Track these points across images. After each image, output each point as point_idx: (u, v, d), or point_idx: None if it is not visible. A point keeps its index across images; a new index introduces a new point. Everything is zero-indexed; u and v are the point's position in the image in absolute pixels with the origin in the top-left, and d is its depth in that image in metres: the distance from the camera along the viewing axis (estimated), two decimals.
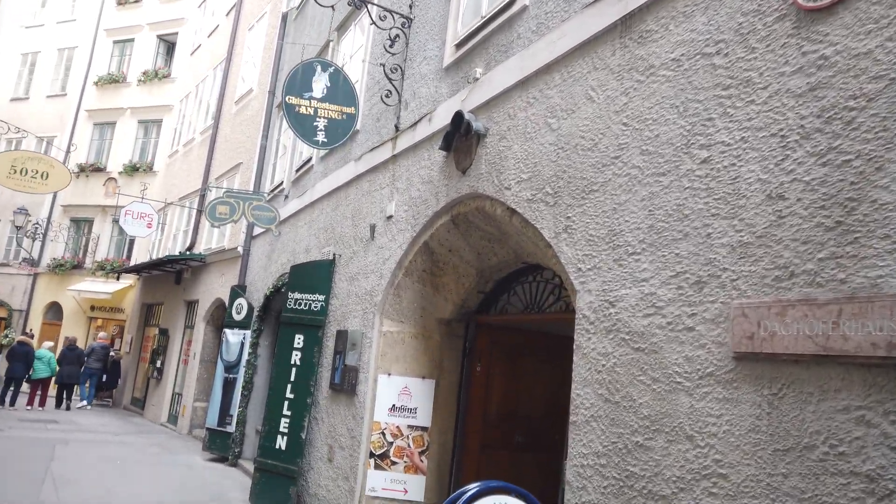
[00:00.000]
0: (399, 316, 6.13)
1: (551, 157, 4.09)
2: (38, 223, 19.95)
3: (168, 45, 21.64)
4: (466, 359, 6.19)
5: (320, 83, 6.21)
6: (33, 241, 20.28)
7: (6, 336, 16.86)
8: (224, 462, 10.09)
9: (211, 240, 14.23)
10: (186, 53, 19.95)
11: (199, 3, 19.59)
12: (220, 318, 13.42)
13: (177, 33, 21.07)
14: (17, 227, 19.06)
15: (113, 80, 21.37)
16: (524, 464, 6.12)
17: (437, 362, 6.11)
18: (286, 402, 7.36)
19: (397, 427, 5.93)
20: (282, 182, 10.90)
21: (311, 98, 6.16)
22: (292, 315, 7.75)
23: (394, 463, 5.86)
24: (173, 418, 14.30)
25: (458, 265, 5.79)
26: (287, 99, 6.10)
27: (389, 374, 6.03)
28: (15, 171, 10.10)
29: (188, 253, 14.55)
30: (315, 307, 7.50)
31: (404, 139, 6.26)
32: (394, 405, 5.98)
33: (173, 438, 12.60)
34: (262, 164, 12.16)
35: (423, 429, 5.96)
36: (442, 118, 5.56)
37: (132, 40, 21.92)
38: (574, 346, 3.65)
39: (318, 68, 6.28)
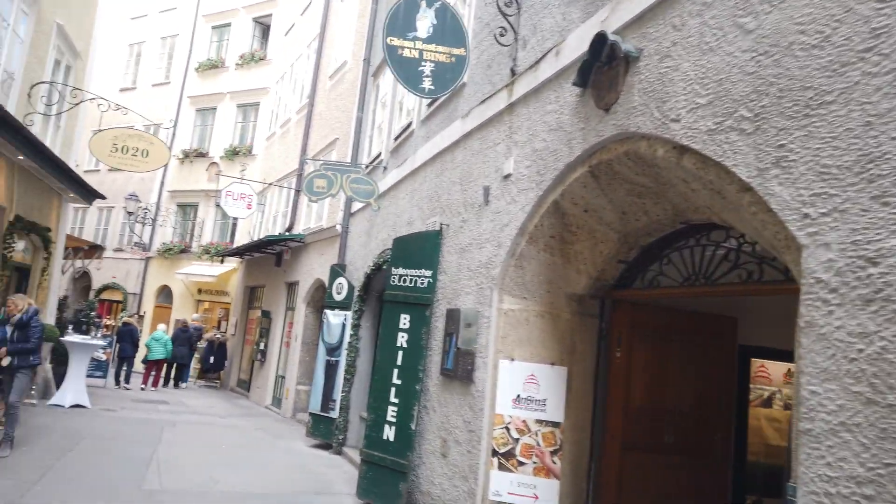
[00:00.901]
0: (522, 291, 5.21)
1: (746, 69, 3.01)
2: (146, 208, 20.57)
3: (263, 28, 21.65)
4: (603, 342, 5.19)
5: (425, 21, 5.36)
6: (143, 226, 20.96)
7: (121, 318, 17.48)
8: (328, 449, 9.63)
9: (309, 220, 13.90)
10: (280, 34, 19.84)
11: None
12: (321, 300, 13.07)
13: (271, 15, 21.01)
14: (129, 213, 19.70)
15: (212, 66, 21.65)
16: (676, 469, 5.07)
17: (568, 346, 5.15)
18: (393, 389, 6.65)
19: (523, 422, 5.04)
20: (379, 154, 10.23)
21: (415, 39, 5.33)
22: (396, 293, 7.02)
23: (521, 463, 4.98)
24: (277, 401, 14.18)
25: (594, 229, 4.78)
26: (388, 41, 5.30)
27: (512, 360, 5.14)
28: (116, 149, 10.01)
29: (287, 234, 14.30)
30: (421, 284, 6.73)
31: (523, 83, 5.29)
32: (518, 396, 5.09)
33: (277, 422, 12.39)
34: (358, 137, 11.56)
35: (555, 424, 5.04)
36: (573, 49, 4.55)
37: (229, 25, 22.10)
38: (799, 325, 2.59)
39: (423, 4, 5.43)
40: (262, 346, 15.41)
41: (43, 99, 9.90)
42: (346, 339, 9.94)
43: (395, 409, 6.60)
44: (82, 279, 23.09)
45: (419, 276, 6.76)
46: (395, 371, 6.72)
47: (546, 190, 4.77)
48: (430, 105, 7.85)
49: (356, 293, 9.91)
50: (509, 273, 5.21)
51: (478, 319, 5.54)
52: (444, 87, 5.68)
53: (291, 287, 14.65)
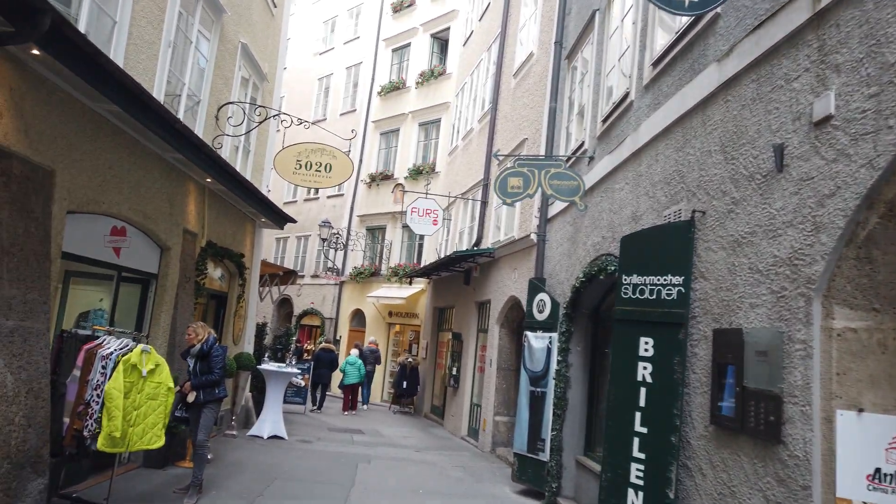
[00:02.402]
0: (871, 300, 3.24)
1: None
2: (338, 234, 20.83)
3: (441, 43, 21.17)
4: None
5: None
6: (336, 251, 21.26)
7: (319, 343, 17.61)
8: (539, 499, 8.04)
9: (498, 232, 12.60)
10: (458, 46, 19.14)
11: None
12: (516, 320, 11.64)
13: (448, 28, 20.45)
14: (322, 239, 20.04)
15: (394, 88, 21.58)
16: None
17: None
18: (636, 440, 4.91)
19: None
20: (581, 144, 8.60)
21: None
22: (630, 308, 5.29)
23: None
24: (473, 432, 12.94)
25: None
26: None
27: (860, 411, 3.17)
28: (300, 166, 9.51)
29: (475, 249, 13.13)
30: (668, 295, 4.94)
31: None
32: (878, 470, 3.11)
33: (476, 458, 11.08)
34: (552, 131, 10.04)
35: None
36: None
37: (408, 45, 21.96)
38: None
39: None
40: (454, 371, 14.36)
41: (230, 120, 9.69)
42: (553, 365, 8.33)
43: (641, 467, 4.84)
44: (284, 306, 24.11)
45: (664, 285, 4.98)
46: (638, 415, 4.97)
47: None
48: (654, 64, 6.09)
49: (562, 311, 8.29)
50: (845, 271, 3.27)
51: (779, 345, 3.64)
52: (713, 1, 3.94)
53: (482, 307, 13.43)
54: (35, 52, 4.37)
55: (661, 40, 6.12)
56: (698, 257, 4.76)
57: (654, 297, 5.05)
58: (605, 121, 7.60)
